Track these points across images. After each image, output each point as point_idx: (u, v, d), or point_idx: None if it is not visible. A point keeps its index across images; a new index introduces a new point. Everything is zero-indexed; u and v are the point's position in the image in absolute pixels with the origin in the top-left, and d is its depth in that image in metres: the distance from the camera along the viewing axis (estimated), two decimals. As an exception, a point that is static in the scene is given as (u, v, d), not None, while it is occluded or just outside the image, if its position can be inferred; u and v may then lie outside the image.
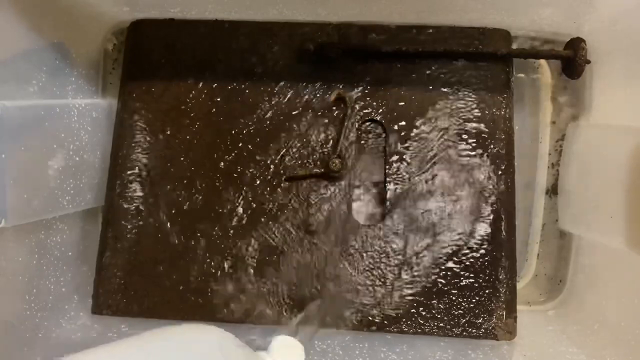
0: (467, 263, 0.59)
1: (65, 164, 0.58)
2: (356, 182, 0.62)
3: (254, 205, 0.62)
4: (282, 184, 0.62)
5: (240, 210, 0.62)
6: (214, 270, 0.61)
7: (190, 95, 0.64)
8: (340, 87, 0.63)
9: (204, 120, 0.63)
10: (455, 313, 0.59)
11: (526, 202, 0.67)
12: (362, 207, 0.67)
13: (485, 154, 0.61)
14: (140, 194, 0.63)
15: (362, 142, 0.63)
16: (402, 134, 0.62)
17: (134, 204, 0.63)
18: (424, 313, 0.59)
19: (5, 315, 0.52)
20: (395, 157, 0.62)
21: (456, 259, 0.59)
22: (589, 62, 0.62)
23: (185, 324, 0.38)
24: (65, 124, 0.59)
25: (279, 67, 0.64)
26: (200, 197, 0.62)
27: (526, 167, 0.67)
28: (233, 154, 0.63)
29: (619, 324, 0.55)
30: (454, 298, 0.59)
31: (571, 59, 0.62)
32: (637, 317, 0.53)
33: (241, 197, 0.62)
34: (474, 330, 0.58)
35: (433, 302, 0.59)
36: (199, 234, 0.61)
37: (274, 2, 0.61)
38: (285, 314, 0.59)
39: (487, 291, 0.59)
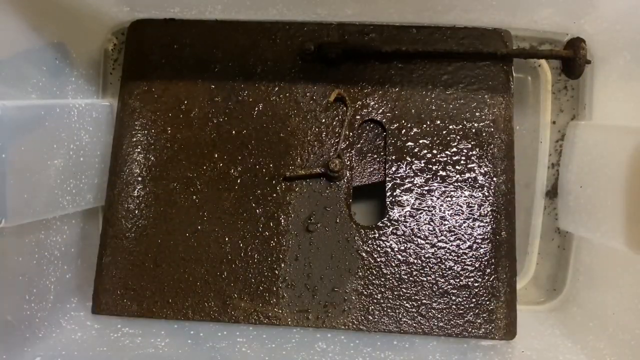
0: (467, 263, 0.59)
1: (65, 164, 0.58)
2: (356, 182, 0.62)
3: (254, 205, 0.62)
4: (281, 184, 0.62)
5: (239, 209, 0.62)
6: (214, 271, 0.61)
7: (190, 95, 0.64)
8: (340, 87, 0.63)
9: (204, 120, 0.63)
10: (455, 313, 0.59)
11: (526, 202, 0.67)
12: (362, 207, 0.67)
13: (485, 154, 0.61)
14: (141, 193, 0.63)
15: (362, 142, 0.63)
16: (402, 133, 0.62)
17: (134, 204, 0.63)
18: (423, 312, 0.59)
19: (5, 315, 0.52)
20: (395, 157, 0.62)
21: (456, 259, 0.60)
22: (589, 62, 0.62)
23: None
24: (65, 124, 0.59)
25: (278, 67, 0.64)
26: (200, 197, 0.62)
27: (526, 167, 0.67)
28: (232, 154, 0.63)
29: (619, 324, 0.55)
30: (453, 298, 0.59)
31: (571, 59, 0.62)
32: (637, 316, 0.53)
33: (241, 197, 0.62)
34: (474, 330, 0.58)
35: (433, 301, 0.59)
36: (199, 234, 0.61)
37: (274, 2, 0.61)
38: (285, 314, 0.59)
39: (487, 291, 0.59)
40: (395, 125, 0.62)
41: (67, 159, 0.59)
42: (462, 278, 0.59)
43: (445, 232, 0.60)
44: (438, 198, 0.61)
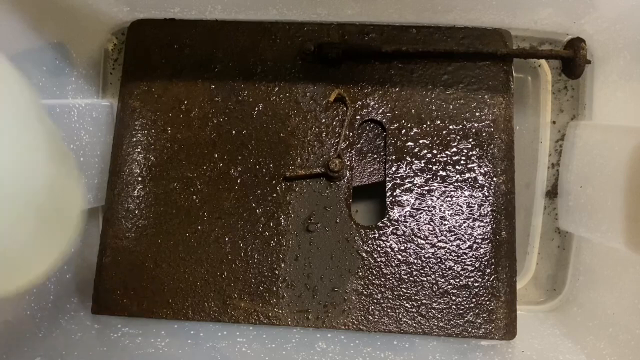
0: (467, 263, 0.59)
1: (65, 164, 0.58)
2: (356, 182, 0.62)
3: (254, 205, 0.62)
4: (281, 184, 0.62)
5: (239, 209, 0.62)
6: (214, 271, 0.61)
7: (190, 95, 0.64)
8: (340, 87, 0.63)
9: (204, 120, 0.63)
10: (455, 313, 0.59)
11: (526, 202, 0.67)
12: (362, 207, 0.67)
13: (485, 154, 0.61)
14: (141, 193, 0.63)
15: (362, 142, 0.63)
16: (402, 133, 0.62)
17: (134, 204, 0.63)
18: (423, 312, 0.59)
19: (5, 315, 0.52)
20: (395, 157, 0.62)
21: (456, 259, 0.59)
22: (589, 62, 0.62)
23: None
24: (65, 124, 0.59)
25: (278, 67, 0.64)
26: (200, 197, 0.62)
27: (526, 167, 0.67)
28: (232, 154, 0.63)
29: (619, 324, 0.55)
30: (454, 298, 0.59)
31: (571, 59, 0.62)
32: (637, 316, 0.53)
33: (241, 197, 0.62)
34: (473, 330, 0.58)
35: (433, 301, 0.59)
36: (199, 234, 0.61)
37: (274, 2, 0.61)
38: (285, 314, 0.59)
39: (487, 291, 0.59)
40: (395, 125, 0.62)
41: (67, 159, 0.59)
42: (462, 278, 0.59)
43: (445, 232, 0.60)
44: (438, 198, 0.61)
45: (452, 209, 0.61)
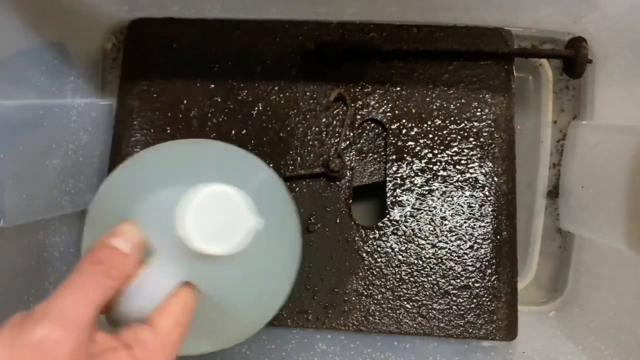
0: (468, 263, 0.59)
1: (64, 164, 0.58)
2: (356, 182, 0.62)
3: (254, 206, 0.61)
4: (282, 184, 0.62)
5: (240, 210, 0.61)
6: (213, 271, 0.60)
7: (190, 95, 0.64)
8: (341, 86, 0.63)
9: (203, 120, 0.63)
10: (456, 313, 0.58)
11: (527, 202, 0.67)
12: (362, 207, 0.67)
13: (486, 154, 0.61)
14: (140, 194, 0.62)
15: (362, 141, 0.63)
16: (403, 133, 0.62)
17: (133, 204, 0.62)
18: (424, 313, 0.58)
19: (4, 316, 0.52)
20: (395, 157, 0.61)
21: (457, 259, 0.59)
22: (590, 61, 0.62)
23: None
24: (64, 124, 0.58)
25: (278, 67, 0.63)
26: (200, 197, 0.62)
27: (527, 167, 0.67)
28: (233, 154, 0.62)
29: (621, 325, 0.55)
30: (454, 298, 0.59)
31: (572, 59, 0.62)
32: (639, 317, 0.53)
33: (241, 197, 0.62)
34: (474, 331, 0.58)
35: (433, 302, 0.58)
36: (198, 234, 0.61)
37: (274, 1, 0.61)
38: (284, 315, 0.59)
39: (488, 292, 0.59)
40: (395, 125, 0.62)
41: (66, 159, 0.59)
42: (462, 278, 0.59)
43: (446, 233, 0.60)
44: (439, 198, 0.61)
45: (452, 209, 0.60)
